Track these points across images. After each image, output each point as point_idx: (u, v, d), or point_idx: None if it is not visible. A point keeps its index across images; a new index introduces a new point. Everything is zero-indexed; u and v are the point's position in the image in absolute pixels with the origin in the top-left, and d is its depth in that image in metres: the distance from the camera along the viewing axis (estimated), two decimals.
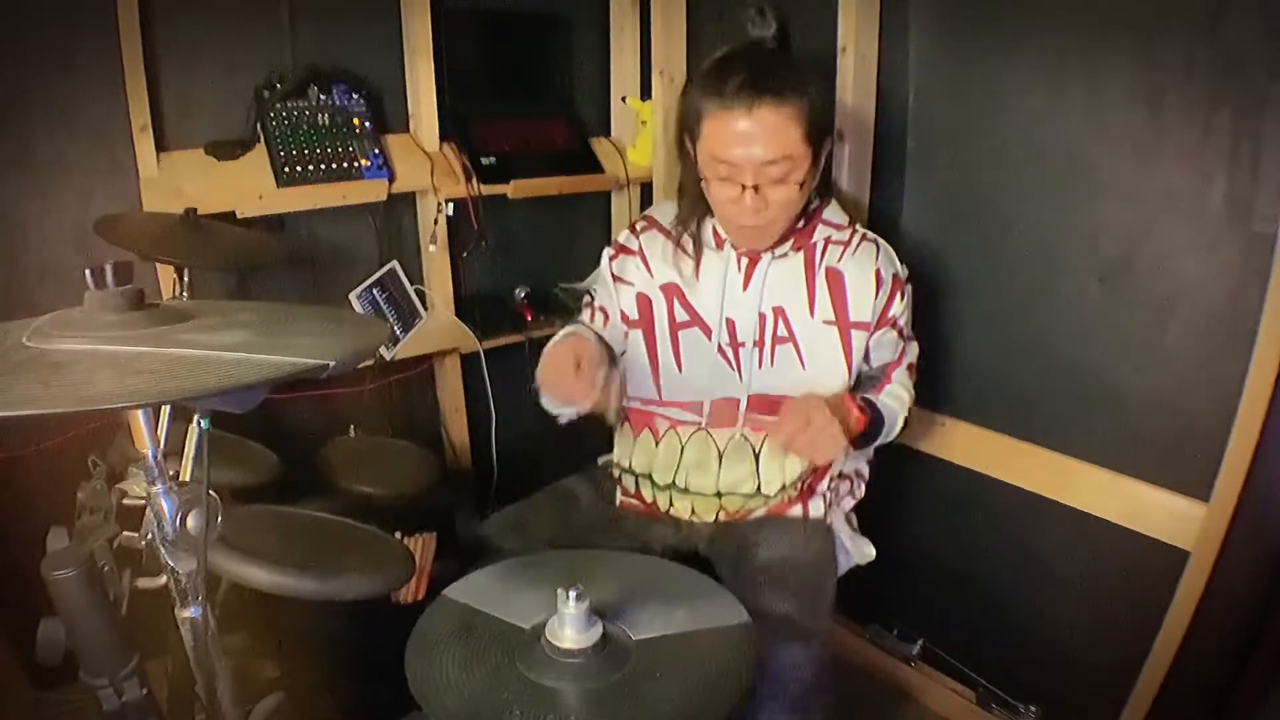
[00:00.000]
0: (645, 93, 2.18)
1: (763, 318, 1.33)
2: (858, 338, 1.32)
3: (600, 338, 1.42)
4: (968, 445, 1.67)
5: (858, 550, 1.45)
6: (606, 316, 1.44)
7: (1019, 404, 1.58)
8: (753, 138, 1.16)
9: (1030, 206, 1.49)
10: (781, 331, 1.33)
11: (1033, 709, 1.64)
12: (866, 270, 1.32)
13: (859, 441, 1.30)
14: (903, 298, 1.34)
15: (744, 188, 1.19)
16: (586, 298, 1.51)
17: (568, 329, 1.42)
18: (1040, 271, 1.50)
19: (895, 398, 1.38)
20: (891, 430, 1.37)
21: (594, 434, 1.73)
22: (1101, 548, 1.47)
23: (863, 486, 1.48)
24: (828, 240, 1.33)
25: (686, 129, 1.27)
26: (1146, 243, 1.36)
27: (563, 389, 1.21)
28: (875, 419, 1.31)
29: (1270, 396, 1.22)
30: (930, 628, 1.84)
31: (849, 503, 1.48)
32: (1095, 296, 1.43)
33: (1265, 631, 1.33)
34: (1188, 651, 1.36)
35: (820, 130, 1.22)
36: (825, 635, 1.27)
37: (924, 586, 1.83)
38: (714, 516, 1.41)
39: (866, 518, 1.51)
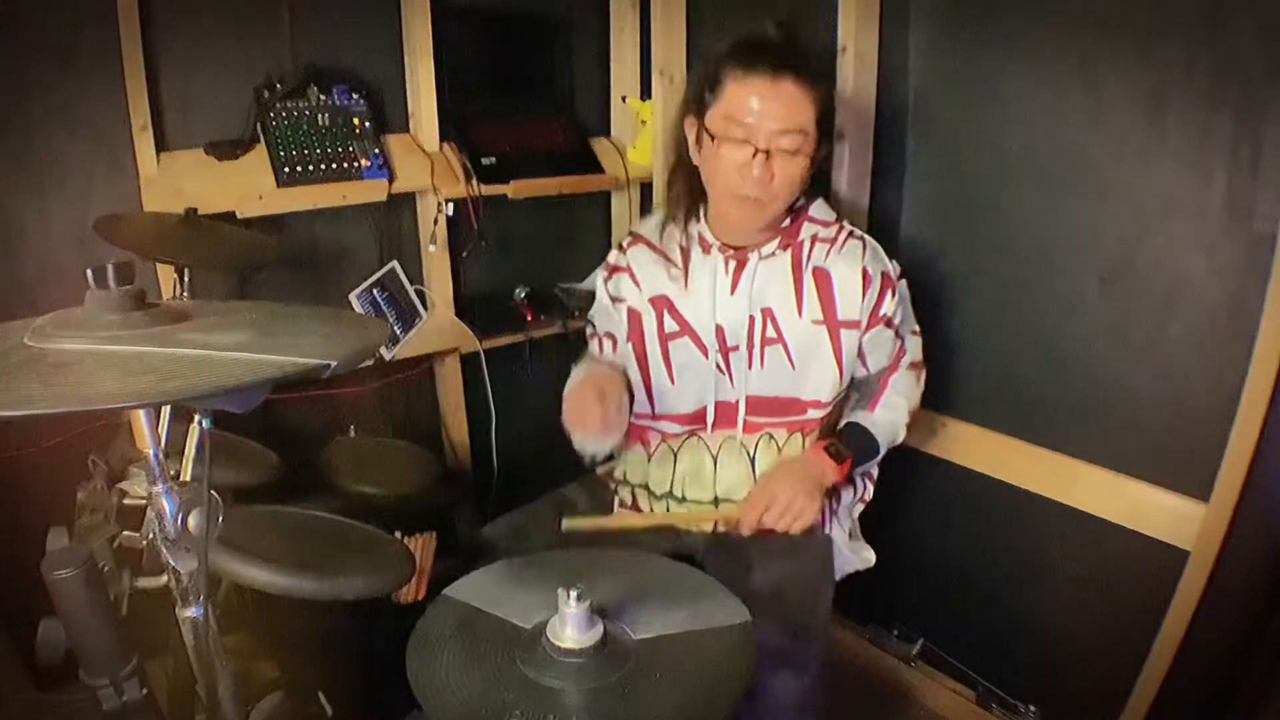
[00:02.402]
0: (645, 93, 2.18)
1: (752, 320, 1.32)
2: (847, 337, 1.32)
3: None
4: (968, 445, 1.67)
5: (857, 556, 1.44)
6: (615, 342, 1.43)
7: (1019, 404, 1.58)
8: (773, 105, 1.20)
9: (1030, 206, 1.49)
10: (771, 333, 1.32)
11: (1033, 709, 1.64)
12: (853, 268, 1.31)
13: (849, 471, 1.34)
14: (894, 295, 1.34)
15: (756, 152, 1.20)
16: (589, 328, 1.50)
17: (581, 367, 1.41)
18: (1040, 271, 1.50)
19: (892, 408, 1.38)
20: (892, 442, 1.39)
21: None
22: (1101, 548, 1.47)
23: (870, 489, 1.47)
24: (814, 238, 1.33)
25: (695, 100, 1.27)
26: (1146, 243, 1.36)
27: (591, 426, 1.23)
28: (862, 451, 1.33)
29: (1270, 396, 1.22)
30: (930, 628, 1.84)
31: (859, 509, 1.47)
32: (1095, 296, 1.43)
33: (1265, 631, 1.32)
34: (1188, 651, 1.36)
35: (827, 125, 1.25)
36: (815, 665, 1.26)
37: (924, 586, 1.83)
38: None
39: (867, 518, 1.51)
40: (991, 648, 1.71)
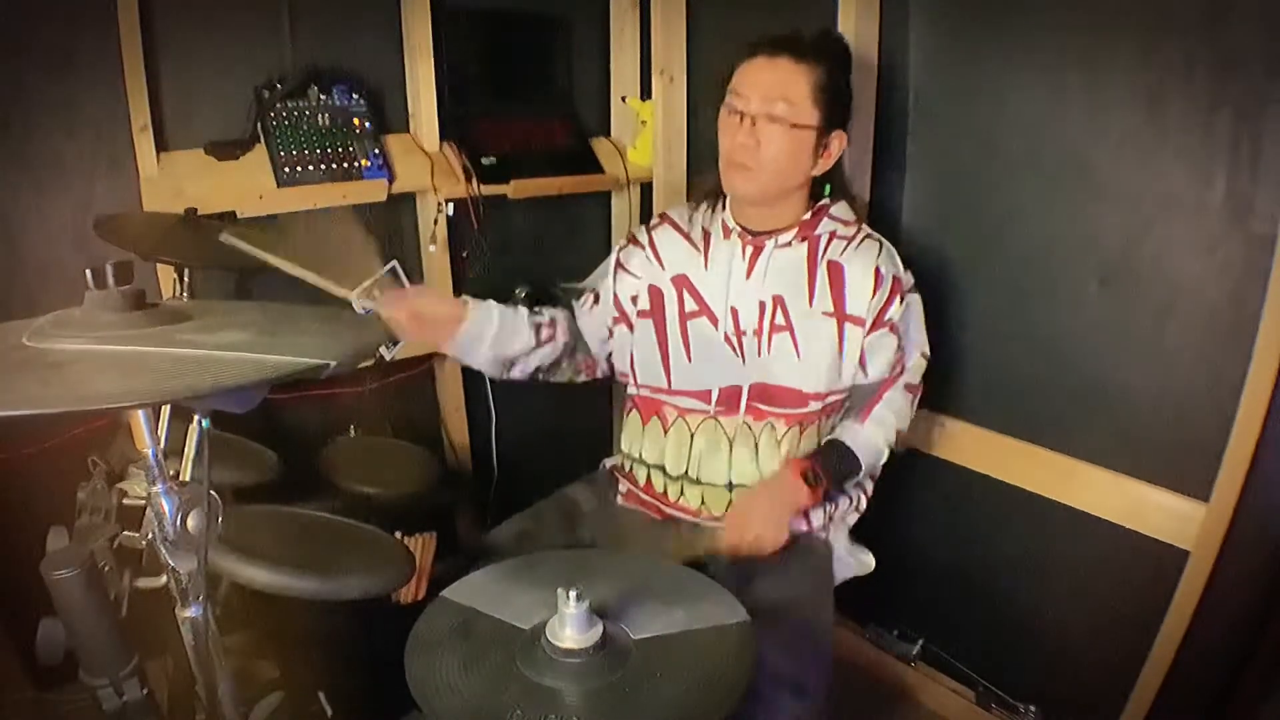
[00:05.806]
0: (645, 93, 2.18)
1: (762, 306, 1.35)
2: (851, 331, 1.33)
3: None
4: (968, 445, 1.66)
5: (857, 561, 1.45)
6: (596, 300, 1.48)
7: (1019, 404, 1.58)
8: (764, 75, 1.29)
9: (1030, 206, 1.49)
10: (780, 320, 1.34)
11: (1033, 709, 1.64)
12: (867, 266, 1.33)
13: (831, 492, 1.35)
14: (902, 301, 1.35)
15: (744, 118, 1.28)
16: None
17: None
18: (1040, 271, 1.50)
19: (882, 423, 1.38)
20: (874, 465, 1.40)
21: (593, 435, 1.71)
22: (1101, 548, 1.47)
23: (864, 501, 1.47)
24: (832, 234, 1.36)
25: (719, 95, 1.36)
26: (1146, 243, 1.36)
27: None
28: (841, 473, 1.35)
29: (1270, 396, 1.22)
30: (930, 628, 1.84)
31: (853, 518, 1.48)
32: (1095, 296, 1.43)
33: (1265, 631, 1.32)
34: (1188, 651, 1.36)
35: (831, 103, 1.30)
36: (822, 686, 1.24)
37: (924, 586, 1.83)
38: (723, 510, 1.40)
39: (867, 518, 1.51)
40: (991, 648, 1.71)
